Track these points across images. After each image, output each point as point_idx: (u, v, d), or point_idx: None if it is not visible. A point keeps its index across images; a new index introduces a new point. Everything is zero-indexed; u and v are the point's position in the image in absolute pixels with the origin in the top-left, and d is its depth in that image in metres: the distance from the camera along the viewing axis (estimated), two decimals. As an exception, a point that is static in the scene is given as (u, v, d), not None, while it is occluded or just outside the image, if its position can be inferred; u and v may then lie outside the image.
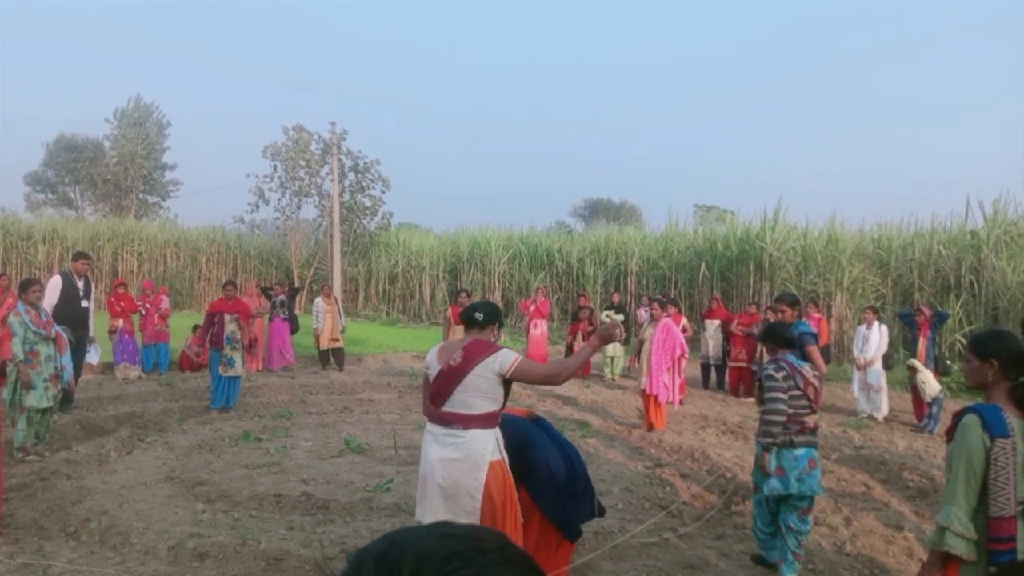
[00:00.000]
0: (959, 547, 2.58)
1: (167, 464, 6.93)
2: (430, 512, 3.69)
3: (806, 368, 4.72)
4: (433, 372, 3.82)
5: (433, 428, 3.78)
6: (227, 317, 9.38)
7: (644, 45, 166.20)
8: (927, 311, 10.03)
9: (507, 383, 3.74)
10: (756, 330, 11.52)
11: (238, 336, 9.49)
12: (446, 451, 3.67)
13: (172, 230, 30.16)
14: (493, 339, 3.94)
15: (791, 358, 4.76)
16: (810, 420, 4.65)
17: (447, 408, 3.71)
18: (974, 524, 2.61)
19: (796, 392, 4.60)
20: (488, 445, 3.69)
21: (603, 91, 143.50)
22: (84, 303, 9.24)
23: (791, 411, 4.58)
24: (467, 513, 3.61)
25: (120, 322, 11.55)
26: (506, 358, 3.68)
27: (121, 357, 11.47)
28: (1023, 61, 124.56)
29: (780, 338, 4.87)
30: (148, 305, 12.09)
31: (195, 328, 12.47)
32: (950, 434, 2.78)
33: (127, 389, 10.34)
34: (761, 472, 4.69)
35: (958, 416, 2.75)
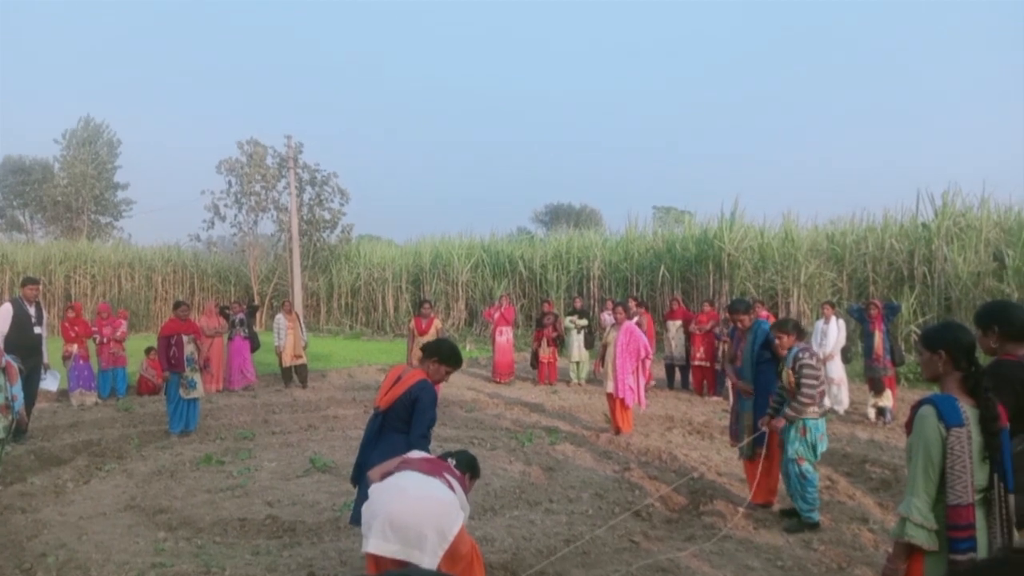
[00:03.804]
0: (920, 537, 2.63)
1: (127, 492, 6.74)
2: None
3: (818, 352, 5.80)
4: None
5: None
6: (184, 338, 9.19)
7: (604, 47, 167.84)
8: (879, 304, 10.23)
9: None
10: (717, 328, 11.65)
11: (196, 357, 9.32)
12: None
13: (126, 250, 29.55)
14: (468, 491, 3.84)
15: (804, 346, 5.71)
16: None
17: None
18: (936, 513, 2.66)
19: (820, 373, 5.63)
20: None
21: (562, 95, 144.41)
22: (37, 329, 9.02)
23: (822, 387, 5.59)
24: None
25: (74, 347, 11.24)
26: (456, 522, 3.47)
27: (76, 383, 11.17)
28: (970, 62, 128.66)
29: (797, 329, 5.80)
30: (106, 329, 11.76)
31: (148, 351, 12.19)
32: (909, 426, 2.84)
33: (83, 416, 10.06)
34: (797, 436, 5.53)
35: (915, 407, 2.80)
